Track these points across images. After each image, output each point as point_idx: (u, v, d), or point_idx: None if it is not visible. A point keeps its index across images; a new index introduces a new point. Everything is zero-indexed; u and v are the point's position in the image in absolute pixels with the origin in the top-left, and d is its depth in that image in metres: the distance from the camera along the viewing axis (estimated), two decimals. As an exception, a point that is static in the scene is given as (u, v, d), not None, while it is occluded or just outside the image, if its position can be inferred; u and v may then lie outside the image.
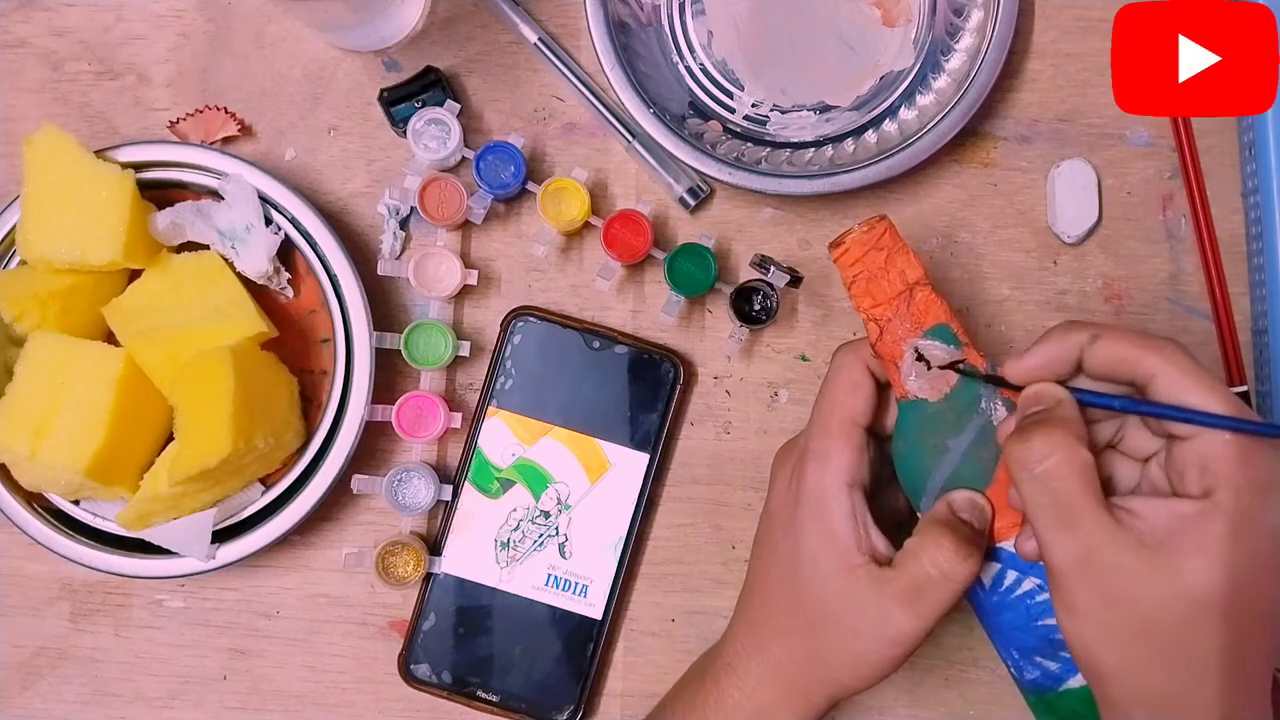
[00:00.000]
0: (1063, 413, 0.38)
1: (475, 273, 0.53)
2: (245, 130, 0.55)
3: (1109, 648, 0.36)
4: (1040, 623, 0.41)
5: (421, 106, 0.53)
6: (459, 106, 0.52)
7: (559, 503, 0.53)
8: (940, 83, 0.54)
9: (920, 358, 0.42)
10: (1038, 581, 0.41)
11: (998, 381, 0.41)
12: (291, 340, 0.52)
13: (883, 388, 0.44)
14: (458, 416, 0.52)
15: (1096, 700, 0.38)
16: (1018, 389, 0.40)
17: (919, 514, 0.43)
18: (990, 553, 0.41)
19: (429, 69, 0.54)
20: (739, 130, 0.55)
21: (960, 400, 0.42)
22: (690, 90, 0.55)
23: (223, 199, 0.51)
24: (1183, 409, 0.36)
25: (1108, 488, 0.39)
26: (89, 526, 0.51)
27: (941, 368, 0.42)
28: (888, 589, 0.41)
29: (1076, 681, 0.40)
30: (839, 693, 0.43)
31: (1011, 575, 0.41)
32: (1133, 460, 0.41)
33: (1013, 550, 0.41)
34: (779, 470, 0.47)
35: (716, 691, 0.45)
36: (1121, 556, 0.36)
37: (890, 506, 0.46)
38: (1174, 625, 0.35)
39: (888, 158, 0.52)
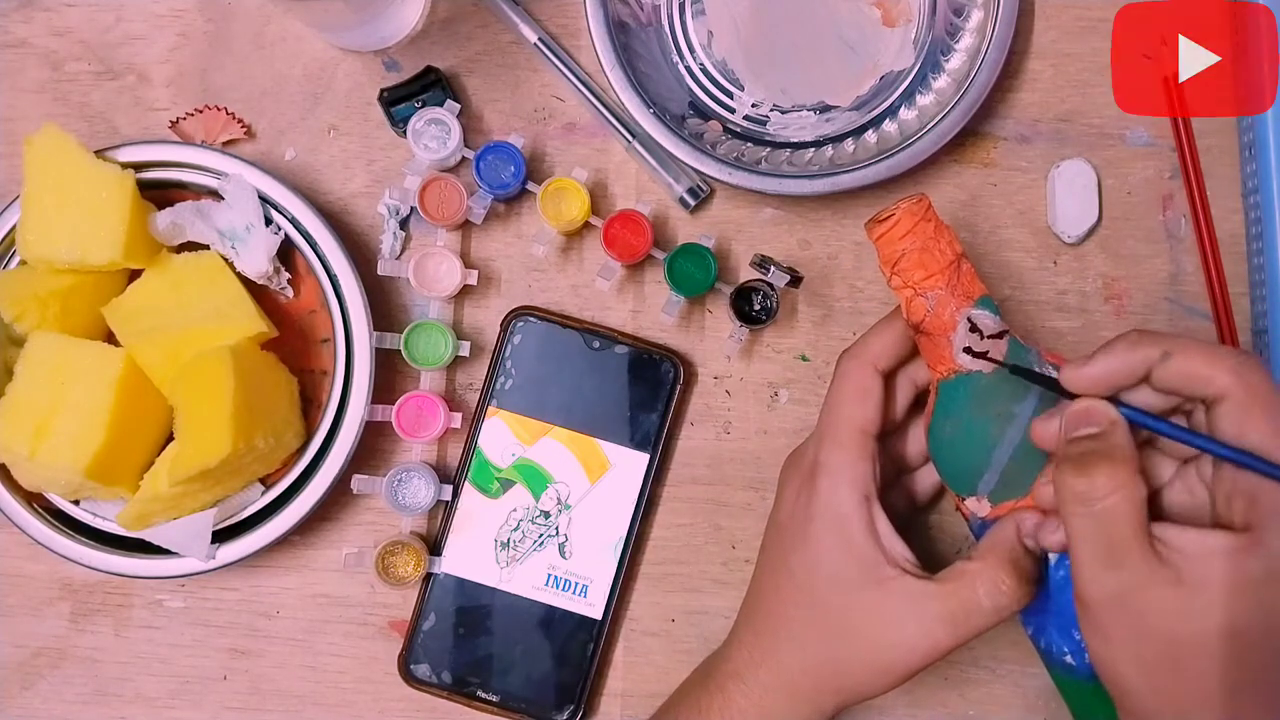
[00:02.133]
0: (1119, 440, 0.37)
1: (475, 273, 0.53)
2: (247, 132, 0.55)
3: (1138, 675, 0.36)
4: None
5: (421, 106, 0.53)
6: (459, 106, 0.52)
7: (559, 503, 0.53)
8: (940, 83, 0.54)
9: (974, 328, 0.41)
10: None
11: (1049, 385, 0.40)
12: (291, 340, 0.52)
13: (888, 387, 0.44)
14: (458, 416, 0.52)
15: (1118, 710, 0.38)
16: (1068, 395, 0.39)
17: (970, 498, 0.43)
18: None
19: (429, 69, 0.54)
20: (739, 130, 0.55)
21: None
22: (690, 90, 0.55)
23: (223, 199, 0.51)
24: (1242, 452, 0.35)
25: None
26: (89, 526, 0.51)
27: (993, 337, 0.41)
28: (931, 605, 0.41)
29: None
30: (853, 700, 0.43)
31: None
32: (1171, 459, 0.40)
33: None
34: (788, 481, 0.46)
35: (722, 698, 0.45)
36: (1159, 593, 0.35)
37: (891, 508, 0.45)
38: (1206, 660, 0.35)
39: (888, 158, 0.52)
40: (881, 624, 0.41)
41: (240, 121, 0.55)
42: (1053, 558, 0.42)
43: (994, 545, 0.41)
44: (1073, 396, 0.39)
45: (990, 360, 0.41)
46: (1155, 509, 0.38)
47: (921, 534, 0.53)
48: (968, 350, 0.42)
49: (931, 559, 0.52)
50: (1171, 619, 0.35)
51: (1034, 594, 0.40)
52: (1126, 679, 0.37)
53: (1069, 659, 0.42)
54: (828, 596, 0.42)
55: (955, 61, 0.53)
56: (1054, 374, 0.41)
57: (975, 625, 0.40)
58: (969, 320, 0.42)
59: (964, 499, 0.43)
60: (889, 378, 0.45)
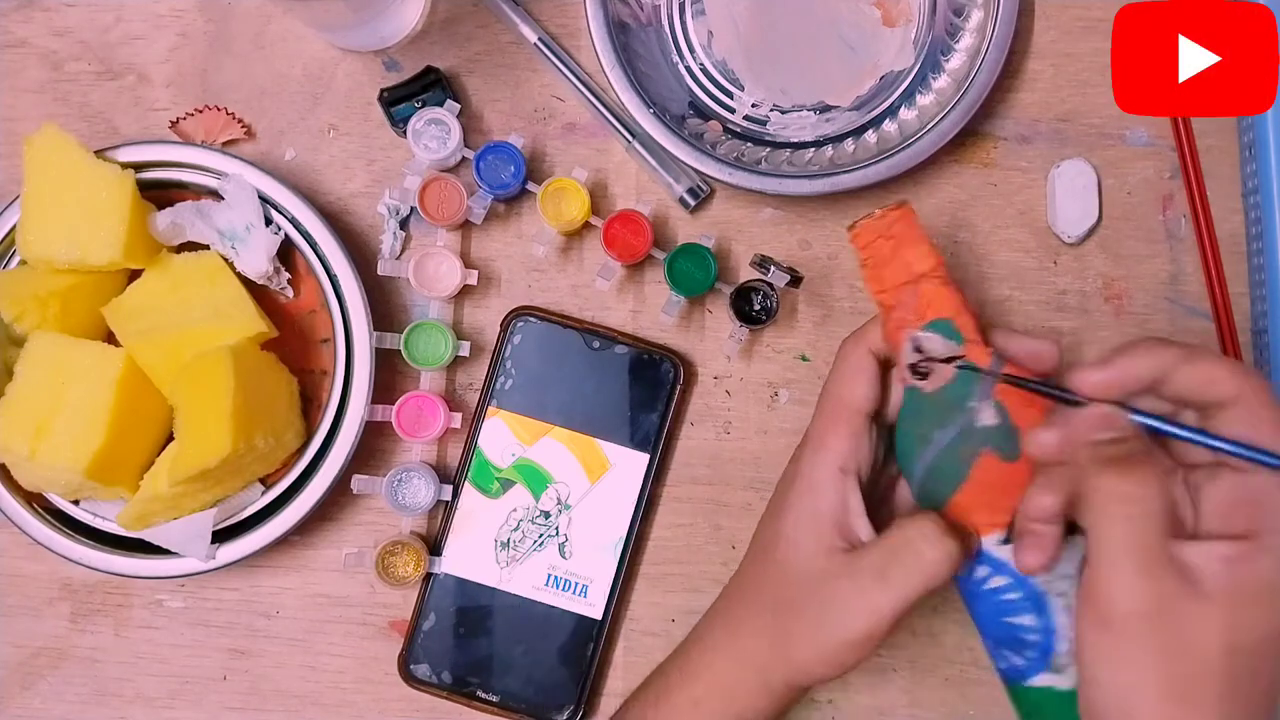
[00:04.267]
0: (1144, 447, 0.37)
1: (475, 273, 0.53)
2: (247, 131, 0.55)
3: (1158, 699, 0.35)
4: (1007, 620, 0.41)
5: (421, 106, 0.53)
6: (459, 106, 0.52)
7: (559, 503, 0.53)
8: (940, 83, 0.54)
9: (918, 348, 0.42)
10: (1008, 579, 0.41)
11: (1049, 392, 0.39)
12: (291, 340, 0.52)
13: (887, 374, 0.44)
14: (458, 416, 0.52)
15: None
16: (1059, 397, 0.39)
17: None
18: None
19: (429, 69, 0.54)
20: (739, 130, 0.55)
21: (951, 396, 0.42)
22: (690, 90, 0.55)
23: (223, 199, 0.51)
24: (1259, 450, 0.35)
25: None
26: (89, 526, 0.51)
27: (937, 361, 0.42)
28: (862, 564, 0.41)
29: (1040, 680, 0.41)
30: (796, 676, 0.43)
31: (983, 569, 0.42)
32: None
33: (987, 548, 0.41)
34: (790, 461, 0.47)
35: (684, 658, 0.46)
36: (1191, 606, 0.35)
37: (905, 498, 0.46)
38: (1220, 669, 0.35)
39: (888, 158, 0.52)
40: (824, 591, 0.42)
41: (240, 121, 0.55)
42: (982, 570, 0.42)
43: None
44: (1070, 403, 0.39)
45: (930, 382, 0.42)
46: None
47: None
48: (912, 367, 0.42)
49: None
50: (1202, 633, 0.35)
51: (957, 549, 0.40)
52: (1141, 704, 0.35)
53: (999, 663, 0.43)
54: (785, 563, 0.43)
55: (955, 61, 0.53)
56: (988, 412, 0.41)
57: (909, 577, 0.40)
58: (913, 341, 0.42)
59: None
60: (888, 364, 0.45)
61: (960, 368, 0.41)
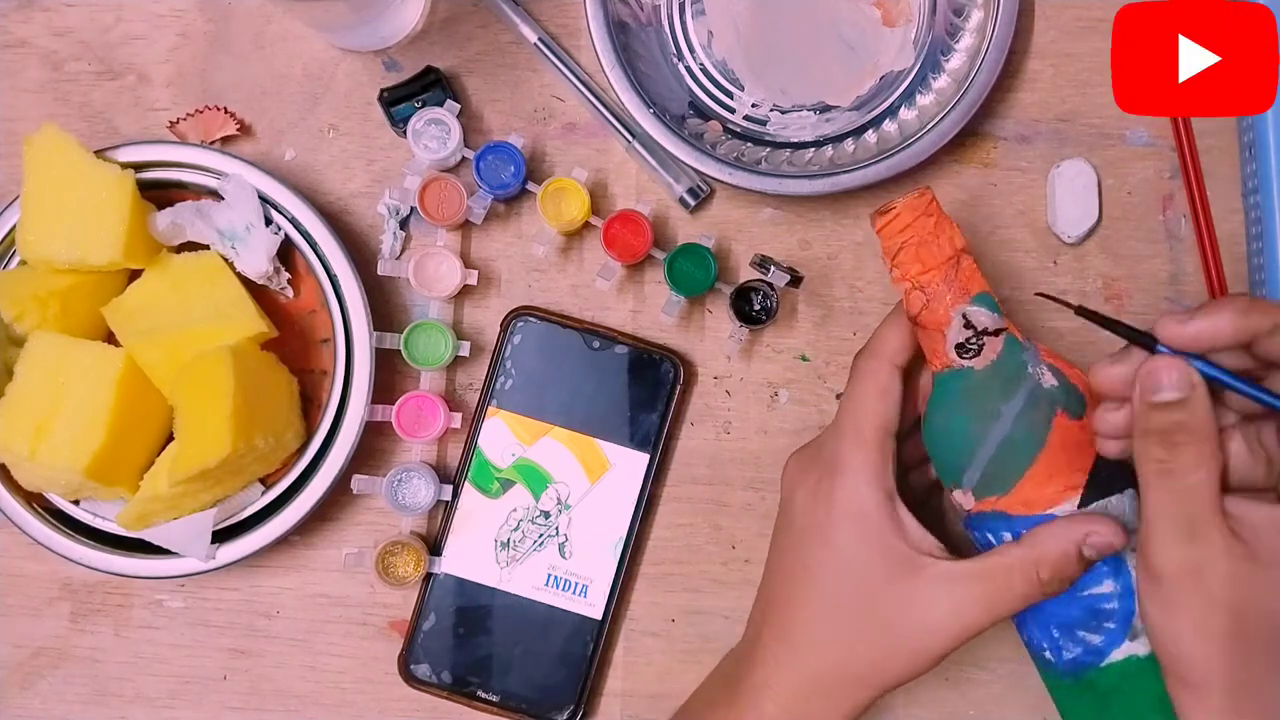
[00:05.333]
0: (1203, 413, 0.37)
1: (475, 273, 0.53)
2: (245, 130, 0.55)
3: (1201, 645, 0.37)
4: (1084, 593, 0.41)
5: (421, 106, 0.53)
6: (459, 106, 0.52)
7: (559, 503, 0.53)
8: (940, 83, 0.54)
9: (969, 324, 0.42)
10: None
11: (1129, 334, 0.38)
12: (291, 340, 0.52)
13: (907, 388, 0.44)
14: (458, 416, 0.52)
15: (1169, 679, 0.38)
16: (1138, 339, 0.38)
17: (956, 489, 0.43)
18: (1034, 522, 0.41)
19: (429, 69, 0.54)
20: (739, 130, 0.55)
21: (1008, 366, 0.42)
22: (690, 90, 0.55)
23: (223, 199, 0.51)
24: None
25: None
26: (89, 526, 0.51)
27: (989, 335, 0.42)
28: (968, 587, 0.41)
29: (1120, 653, 0.41)
30: (889, 687, 0.43)
31: None
32: (1233, 412, 0.39)
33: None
34: (799, 482, 0.46)
35: (755, 712, 0.43)
36: (1233, 567, 0.36)
37: (911, 491, 0.45)
38: (1271, 633, 0.36)
39: (888, 158, 0.52)
40: (915, 610, 0.41)
41: (234, 117, 0.55)
42: None
43: (1045, 538, 0.41)
44: (1147, 347, 0.38)
45: (985, 356, 0.42)
46: None
47: (935, 514, 0.52)
48: (960, 346, 0.42)
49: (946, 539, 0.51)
50: (1243, 592, 0.36)
51: (1068, 586, 0.40)
52: (1188, 649, 0.37)
53: (1047, 654, 0.43)
54: (855, 595, 0.42)
55: (955, 61, 0.53)
56: (1047, 374, 0.41)
57: (1007, 608, 0.41)
58: (964, 316, 0.42)
59: (951, 490, 0.44)
60: (908, 374, 0.45)
61: (1011, 341, 0.41)
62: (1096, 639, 0.41)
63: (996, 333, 0.42)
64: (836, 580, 0.43)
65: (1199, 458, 0.36)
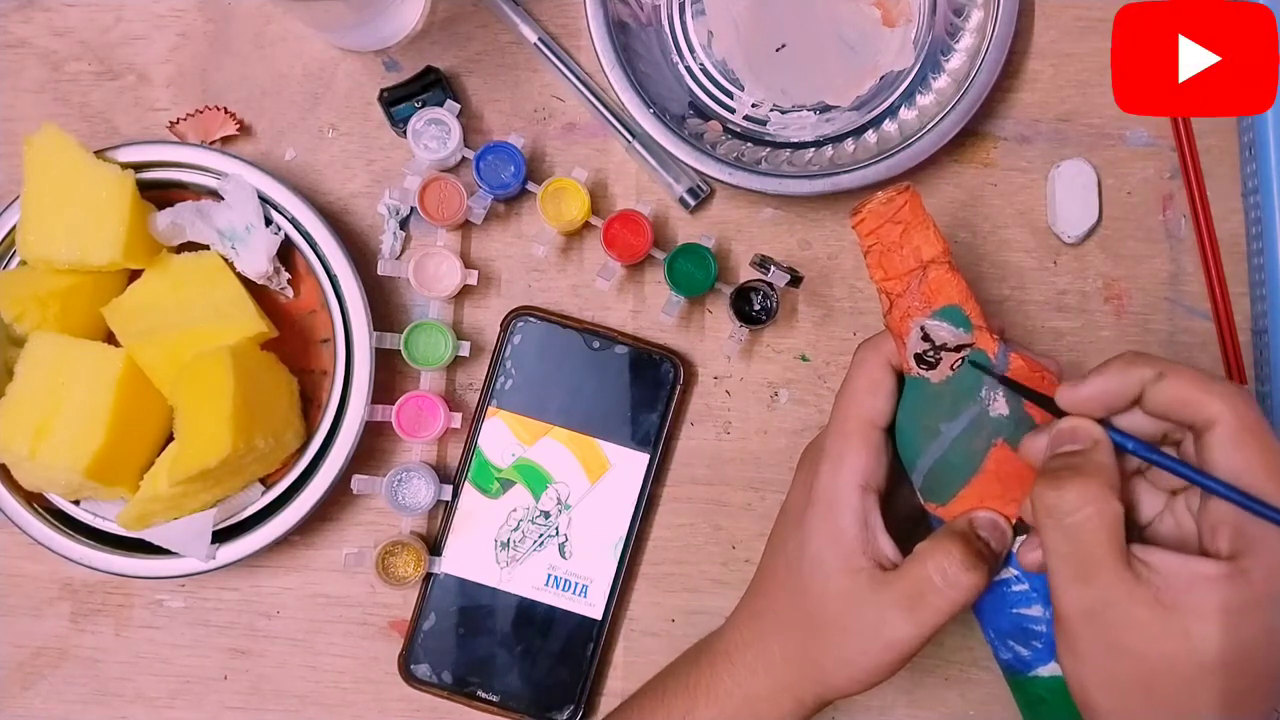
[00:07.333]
0: (1099, 458, 0.37)
1: (475, 273, 0.53)
2: (244, 129, 0.55)
3: (1107, 694, 0.36)
4: (1015, 610, 0.41)
5: (421, 106, 0.53)
6: (459, 106, 0.52)
7: (559, 503, 0.53)
8: (940, 83, 0.54)
9: (926, 337, 0.42)
10: (1015, 572, 0.41)
11: (1043, 403, 0.39)
12: (291, 340, 0.52)
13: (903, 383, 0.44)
14: (458, 416, 0.52)
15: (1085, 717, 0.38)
16: (1049, 407, 0.39)
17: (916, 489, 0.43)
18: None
19: (429, 69, 0.54)
20: (739, 130, 0.55)
21: (961, 385, 0.41)
22: (690, 90, 0.55)
23: (223, 199, 0.51)
24: (1228, 486, 0.35)
25: (1130, 516, 0.37)
26: (89, 526, 0.51)
27: (948, 351, 0.41)
28: (887, 592, 0.41)
29: (1046, 671, 0.41)
30: (828, 693, 0.43)
31: None
32: (1160, 491, 0.40)
33: None
34: (800, 469, 0.47)
35: (710, 675, 0.45)
36: (1134, 612, 0.35)
37: (907, 506, 0.45)
38: (1176, 682, 0.35)
39: (888, 158, 0.52)
40: (849, 613, 0.41)
41: (234, 117, 0.55)
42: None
43: (946, 529, 0.41)
44: (1057, 415, 0.39)
45: (939, 372, 0.42)
46: (1141, 539, 0.38)
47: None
48: (918, 357, 0.42)
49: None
50: (1145, 639, 0.35)
51: (986, 577, 0.40)
52: (1096, 697, 0.37)
53: (1002, 654, 0.43)
54: (811, 582, 0.43)
55: (955, 61, 0.53)
56: (999, 402, 0.41)
57: (932, 607, 0.40)
58: (921, 329, 0.42)
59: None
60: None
61: (972, 363, 0.41)
62: (1024, 652, 0.41)
63: (958, 348, 0.41)
64: (801, 566, 0.43)
65: (1083, 496, 0.36)
